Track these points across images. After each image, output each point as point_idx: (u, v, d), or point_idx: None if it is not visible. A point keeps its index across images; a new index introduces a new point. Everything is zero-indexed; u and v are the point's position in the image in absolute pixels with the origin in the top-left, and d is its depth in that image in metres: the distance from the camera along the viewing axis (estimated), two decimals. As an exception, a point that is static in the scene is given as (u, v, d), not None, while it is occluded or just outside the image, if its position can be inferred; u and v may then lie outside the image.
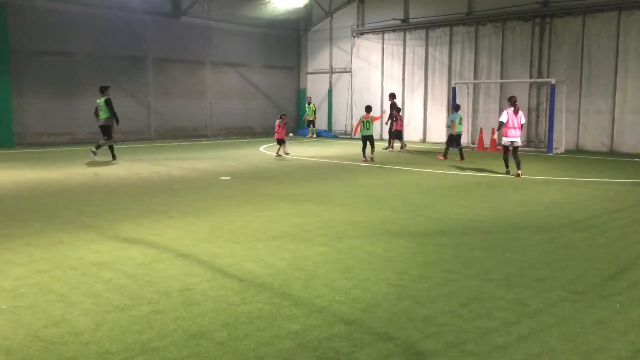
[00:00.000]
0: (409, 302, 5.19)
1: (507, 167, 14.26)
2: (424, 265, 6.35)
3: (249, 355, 4.07)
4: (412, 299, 5.27)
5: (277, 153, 18.72)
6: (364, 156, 16.93)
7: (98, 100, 16.88)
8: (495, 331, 4.53)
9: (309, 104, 28.42)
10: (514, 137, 13.88)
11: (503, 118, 13.93)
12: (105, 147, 17.06)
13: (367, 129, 16.68)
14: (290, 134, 21.22)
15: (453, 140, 18.03)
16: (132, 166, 15.57)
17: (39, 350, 4.13)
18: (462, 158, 17.53)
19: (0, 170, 14.37)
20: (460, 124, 18.08)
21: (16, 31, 20.96)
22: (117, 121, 16.97)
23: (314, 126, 28.47)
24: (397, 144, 21.58)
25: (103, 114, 16.78)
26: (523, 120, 14.10)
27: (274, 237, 7.58)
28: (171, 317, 4.78)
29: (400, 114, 21.88)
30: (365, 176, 14.02)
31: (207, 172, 14.53)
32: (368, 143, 16.80)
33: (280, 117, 18.62)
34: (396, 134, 21.21)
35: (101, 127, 16.99)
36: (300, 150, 20.45)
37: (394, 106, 21.55)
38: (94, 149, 16.71)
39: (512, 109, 13.88)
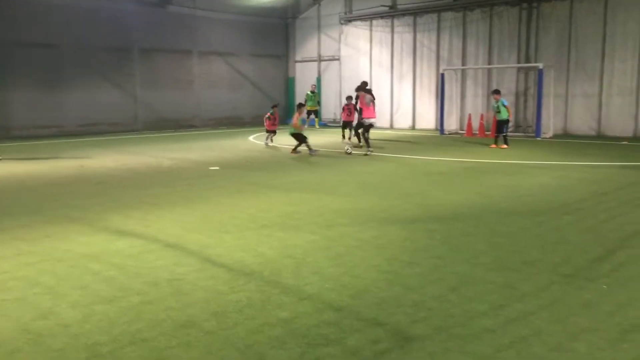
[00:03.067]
0: (398, 288, 5.21)
1: (368, 145, 15.82)
2: (414, 251, 6.37)
3: (238, 344, 4.07)
4: (401, 284, 5.29)
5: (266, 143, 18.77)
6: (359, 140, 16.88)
7: None
8: (484, 315, 4.56)
9: (313, 92, 26.61)
10: (374, 117, 16.06)
11: (368, 101, 15.79)
12: None
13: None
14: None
15: (503, 125, 17.25)
16: (120, 158, 15.47)
17: (27, 343, 4.11)
18: (506, 144, 17.12)
19: (-14, 164, 14.24)
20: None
21: (0, 23, 20.71)
22: None
23: (316, 116, 26.88)
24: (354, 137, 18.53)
25: None
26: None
27: (264, 226, 7.57)
28: (160, 307, 4.76)
29: (353, 102, 18.99)
30: (356, 164, 14.02)
31: (197, 163, 14.47)
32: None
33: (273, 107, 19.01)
34: (346, 124, 19.33)
35: None
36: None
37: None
38: None
39: (370, 95, 15.83)
